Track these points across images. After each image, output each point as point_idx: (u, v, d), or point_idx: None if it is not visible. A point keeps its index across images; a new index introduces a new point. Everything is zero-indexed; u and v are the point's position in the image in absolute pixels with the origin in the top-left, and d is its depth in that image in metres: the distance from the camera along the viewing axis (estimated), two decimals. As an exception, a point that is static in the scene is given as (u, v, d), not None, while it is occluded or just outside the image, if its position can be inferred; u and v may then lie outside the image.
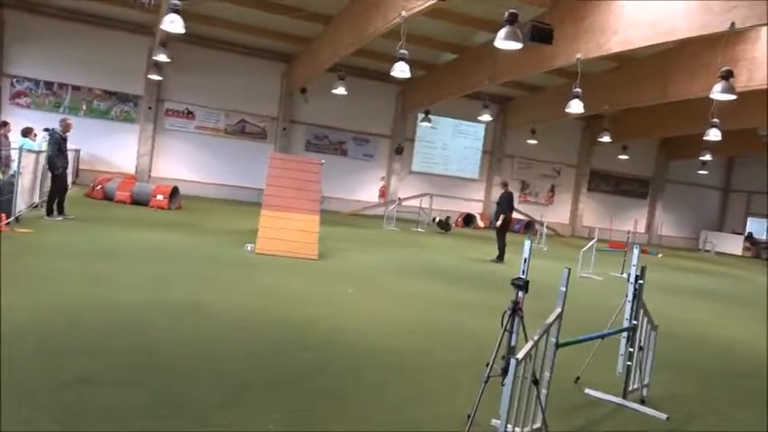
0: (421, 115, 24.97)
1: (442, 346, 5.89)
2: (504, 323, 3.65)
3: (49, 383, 3.79)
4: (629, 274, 4.77)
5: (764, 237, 31.50)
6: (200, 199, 20.51)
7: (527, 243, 3.72)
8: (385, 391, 4.46)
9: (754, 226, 32.24)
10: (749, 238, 31.32)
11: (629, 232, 21.53)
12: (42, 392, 3.65)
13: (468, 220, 25.29)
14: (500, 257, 13.65)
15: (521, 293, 3.63)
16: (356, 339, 5.74)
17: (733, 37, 13.37)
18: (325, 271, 9.40)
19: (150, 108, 21.71)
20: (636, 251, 4.90)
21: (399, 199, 22.16)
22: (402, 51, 13.30)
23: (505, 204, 13.72)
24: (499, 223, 13.70)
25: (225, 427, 3.54)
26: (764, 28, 12.65)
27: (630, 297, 4.72)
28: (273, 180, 10.77)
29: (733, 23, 10.54)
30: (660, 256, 22.06)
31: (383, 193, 25.25)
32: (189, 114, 22.43)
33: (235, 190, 22.61)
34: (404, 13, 12.56)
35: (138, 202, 16.23)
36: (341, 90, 20.01)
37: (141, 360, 4.44)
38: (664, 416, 4.54)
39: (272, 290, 7.52)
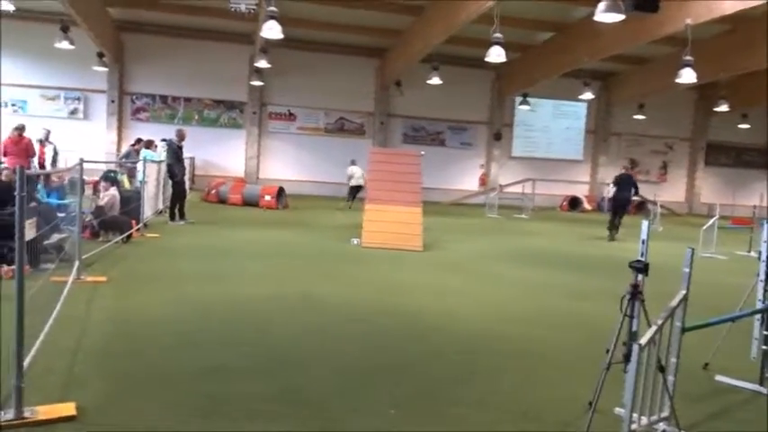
0: (519, 99, 24.38)
1: (554, 332, 5.78)
2: (624, 308, 3.53)
3: (188, 373, 4.12)
4: (759, 252, 4.44)
5: None
6: (305, 197, 21.24)
7: (645, 224, 3.56)
8: (501, 377, 4.46)
9: None
10: None
11: (754, 207, 19.89)
12: (183, 381, 3.98)
13: (574, 203, 24.43)
14: (612, 236, 14.17)
15: (640, 276, 3.49)
16: (467, 327, 5.76)
17: None
18: (431, 261, 9.47)
19: (255, 113, 22.76)
20: (766, 227, 4.55)
21: (500, 186, 21.80)
22: (497, 35, 13.06)
23: (624, 185, 14.30)
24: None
25: (347, 412, 3.69)
26: None
27: (763, 276, 4.39)
28: (375, 174, 10.97)
29: None
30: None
31: (483, 181, 24.93)
32: (290, 116, 23.30)
33: (336, 187, 23.13)
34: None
35: (249, 203, 17.08)
36: (435, 80, 19.94)
37: (265, 351, 4.72)
38: (807, 403, 4.20)
39: (380, 281, 7.69)
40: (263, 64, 18.96)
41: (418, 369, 4.53)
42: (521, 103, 24.34)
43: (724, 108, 21.75)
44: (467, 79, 23.75)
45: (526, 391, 4.23)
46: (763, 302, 4.37)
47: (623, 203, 14.46)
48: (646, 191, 25.28)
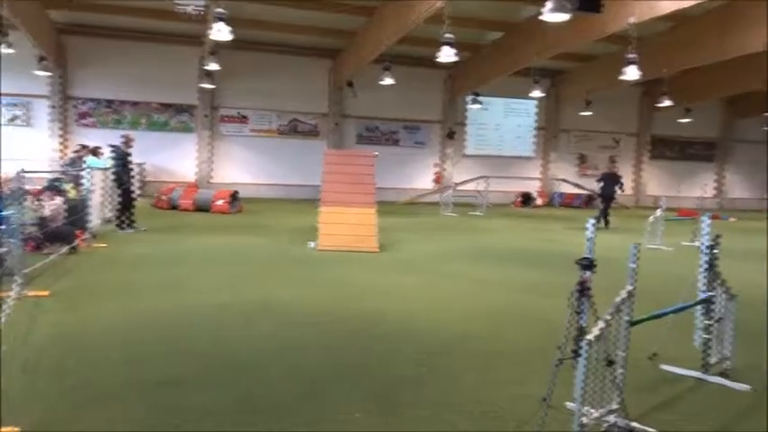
0: (471, 97, 24.67)
1: (511, 330, 5.87)
2: (573, 304, 3.61)
3: (137, 387, 4.01)
4: (701, 244, 4.61)
5: None
6: (260, 200, 21.00)
7: (590, 222, 3.64)
8: (459, 377, 4.50)
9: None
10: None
11: (698, 198, 20.69)
12: (135, 396, 3.87)
13: (527, 199, 24.88)
14: (605, 223, 16.13)
15: (587, 273, 3.57)
16: (425, 327, 5.79)
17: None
18: (388, 262, 9.49)
19: (206, 116, 22.38)
20: (706, 220, 4.72)
21: (455, 184, 22.02)
22: (447, 35, 13.17)
23: (610, 181, 16.71)
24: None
25: (307, 419, 3.66)
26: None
27: (704, 267, 4.56)
28: (329, 176, 10.92)
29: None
30: (733, 220, 21.07)
31: (438, 180, 25.14)
32: (242, 119, 23.00)
33: (291, 189, 23.02)
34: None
35: (201, 208, 16.76)
36: (388, 80, 20.00)
37: (221, 360, 4.65)
38: (747, 387, 4.38)
39: (338, 284, 7.66)
40: (212, 66, 18.65)
41: (377, 372, 4.53)
42: (473, 102, 24.63)
43: (667, 103, 22.50)
44: (419, 79, 23.92)
45: (484, 389, 4.28)
46: (705, 293, 4.53)
47: (608, 198, 16.70)
48: (594, 185, 26.00)
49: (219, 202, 16.69)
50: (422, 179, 25.18)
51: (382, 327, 5.75)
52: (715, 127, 29.64)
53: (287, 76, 22.91)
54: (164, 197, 17.52)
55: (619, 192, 17.19)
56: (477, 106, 24.70)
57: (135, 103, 21.82)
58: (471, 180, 23.20)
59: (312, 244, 10.49)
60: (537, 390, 4.06)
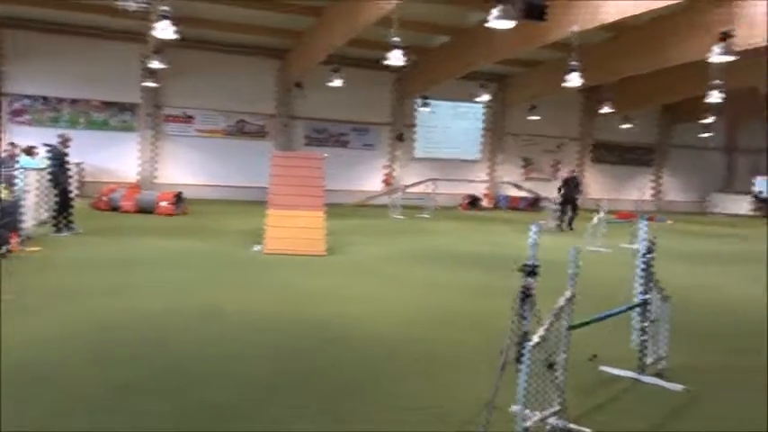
0: (419, 100, 24.86)
1: (458, 333, 5.93)
2: (516, 309, 3.67)
3: (78, 398, 3.85)
4: (638, 248, 4.77)
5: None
6: (206, 202, 20.58)
7: (533, 228, 3.71)
8: (405, 381, 4.51)
9: (761, 185, 31.98)
10: (757, 197, 31.08)
11: (636, 201, 21.46)
12: (72, 407, 3.71)
13: (474, 201, 25.25)
14: (570, 225, 16.87)
15: (530, 279, 3.63)
16: (372, 331, 5.79)
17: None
18: (336, 266, 9.44)
19: (149, 115, 21.75)
20: (643, 224, 4.89)
21: (404, 186, 22.13)
22: (395, 39, 13.24)
23: (571, 185, 17.50)
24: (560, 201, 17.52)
25: (255, 426, 3.60)
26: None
27: (640, 271, 4.72)
28: (277, 179, 10.79)
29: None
30: (669, 222, 21.95)
31: (388, 182, 25.22)
32: (188, 118, 22.47)
33: (239, 190, 22.63)
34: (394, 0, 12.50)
35: (144, 210, 16.28)
36: (337, 82, 19.95)
37: (167, 366, 4.54)
38: (681, 387, 4.56)
39: (284, 289, 7.57)
40: (156, 65, 18.15)
41: (323, 378, 4.49)
42: (421, 105, 24.83)
43: (607, 109, 23.26)
44: (369, 81, 23.94)
45: (430, 394, 4.30)
46: (641, 296, 4.69)
47: (571, 200, 17.39)
48: (540, 188, 26.67)
49: (163, 204, 16.25)
50: (371, 181, 25.20)
51: (330, 331, 5.71)
52: (653, 133, 30.83)
53: (234, 75, 22.54)
54: (104, 198, 16.91)
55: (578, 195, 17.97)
56: (426, 109, 24.91)
57: (74, 101, 21.02)
58: (420, 182, 23.40)
59: (258, 247, 10.34)
60: (482, 393, 4.10)
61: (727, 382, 4.89)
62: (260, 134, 23.49)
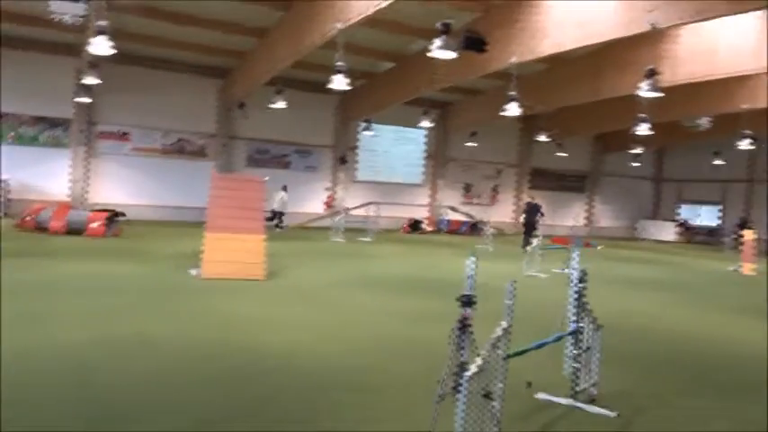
0: (363, 124, 25.02)
1: (397, 361, 5.90)
2: (453, 339, 3.69)
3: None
4: (570, 278, 4.90)
5: (698, 222, 33.02)
6: (142, 223, 19.92)
7: (470, 260, 3.76)
8: (343, 414, 4.44)
9: (686, 212, 33.73)
10: (682, 224, 32.74)
11: (571, 227, 22.18)
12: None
13: (415, 225, 25.47)
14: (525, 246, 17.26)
15: (468, 310, 3.67)
16: (311, 361, 5.69)
17: (656, 35, 13.99)
18: (275, 291, 9.28)
19: (82, 131, 20.95)
20: (575, 253, 5.03)
21: (345, 209, 22.10)
22: (339, 64, 13.29)
23: (531, 211, 19.17)
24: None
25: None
26: (684, 27, 13.27)
27: (573, 300, 4.84)
28: (216, 201, 10.54)
29: (654, 24, 11.02)
30: (601, 247, 22.76)
31: (329, 204, 25.14)
32: (123, 136, 21.77)
33: (177, 211, 22.05)
34: (339, 25, 12.58)
35: (74, 230, 15.57)
36: (280, 104, 19.84)
37: (92, 408, 4.26)
38: (613, 413, 4.68)
39: (221, 316, 7.36)
40: (90, 80, 17.55)
41: (259, 412, 4.37)
42: (364, 129, 24.98)
43: (543, 138, 24.06)
44: (312, 103, 23.94)
45: (367, 426, 4.24)
46: (574, 324, 4.81)
47: (532, 225, 18.57)
48: (479, 213, 27.18)
49: (94, 225, 15.59)
50: (313, 203, 25.05)
51: (267, 362, 5.58)
52: (586, 161, 32.07)
53: (174, 93, 22.08)
54: (29, 217, 16.08)
55: (540, 219, 19.04)
56: (368, 133, 25.07)
57: (2, 115, 20.02)
58: (362, 205, 23.42)
59: (195, 271, 10.05)
60: (420, 424, 4.09)
61: (655, 406, 5.05)
62: (200, 154, 23.01)
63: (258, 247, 10.31)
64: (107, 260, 11.47)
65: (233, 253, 10.03)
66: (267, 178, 11.51)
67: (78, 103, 20.30)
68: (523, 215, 19.96)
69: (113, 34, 12.59)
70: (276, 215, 21.04)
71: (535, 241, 14.16)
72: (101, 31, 12.22)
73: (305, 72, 21.03)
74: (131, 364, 5.31)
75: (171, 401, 4.46)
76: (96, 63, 17.61)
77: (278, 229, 19.19)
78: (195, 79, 22.41)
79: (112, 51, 12.68)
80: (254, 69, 19.27)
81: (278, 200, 21.22)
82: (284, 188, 21.67)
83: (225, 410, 4.34)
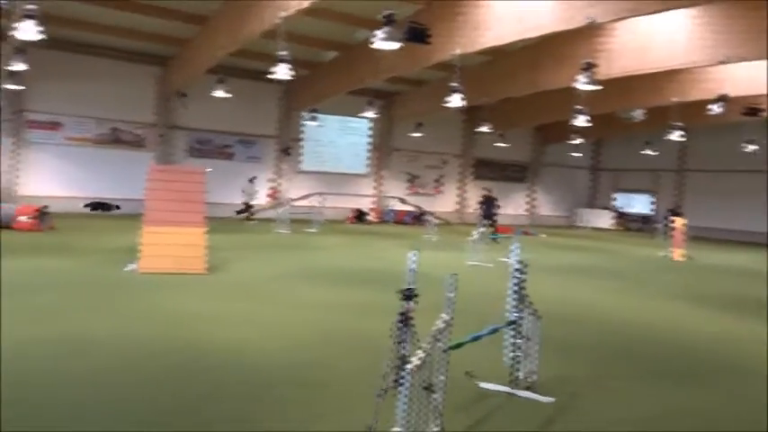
0: (307, 114, 24.76)
1: (342, 356, 5.90)
2: (395, 334, 3.71)
3: None
4: (510, 269, 5.01)
5: (632, 210, 34.38)
6: (76, 216, 19.17)
7: (411, 255, 3.78)
8: (286, 410, 4.41)
9: (621, 200, 35.06)
10: (618, 212, 34.03)
11: (513, 216, 22.70)
12: None
13: (361, 215, 25.48)
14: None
15: (410, 303, 3.69)
16: (254, 357, 5.62)
17: (593, 30, 14.40)
18: (216, 285, 9.11)
19: (9, 120, 19.91)
20: (515, 245, 5.15)
21: (290, 200, 21.88)
22: (282, 53, 13.09)
23: (488, 203, 20.43)
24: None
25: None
26: (620, 22, 13.71)
27: (513, 291, 4.95)
28: (154, 194, 10.24)
29: (591, 19, 11.34)
30: (542, 236, 23.38)
31: (273, 195, 24.84)
32: (55, 125, 20.82)
33: (114, 203, 21.31)
34: (282, 13, 12.39)
35: (1, 225, 14.78)
36: (221, 93, 19.40)
37: (26, 411, 4.08)
38: (551, 399, 4.83)
39: (160, 312, 7.17)
40: (18, 66, 16.67)
41: (199, 410, 4.29)
42: (309, 119, 24.73)
43: (486, 129, 24.46)
44: (256, 93, 23.54)
45: (311, 422, 4.24)
46: (514, 315, 4.93)
47: (489, 217, 19.93)
48: (424, 203, 27.44)
49: (23, 219, 14.88)
50: (257, 195, 24.64)
51: (208, 359, 5.47)
52: (527, 151, 32.80)
53: (109, 81, 21.26)
54: (-46, 212, 15.21)
55: (496, 211, 20.94)
56: (313, 123, 24.85)
57: None
58: (306, 196, 23.25)
59: (132, 266, 9.75)
60: (364, 419, 4.10)
61: (591, 390, 5.24)
62: (137, 144, 22.28)
63: (199, 240, 10.09)
64: (38, 256, 10.98)
65: (172, 247, 9.78)
66: (209, 170, 11.22)
67: (5, 90, 19.26)
68: (482, 206, 20.67)
69: (44, 18, 11.98)
70: (247, 207, 21.87)
71: (476, 232, 14.40)
72: (29, 15, 11.59)
73: (248, 61, 20.65)
74: (66, 364, 5.11)
75: (110, 401, 4.33)
76: (24, 48, 16.74)
77: (251, 222, 19.33)
78: (132, 67, 21.65)
79: (40, 37, 12.07)
80: (194, 57, 18.77)
81: (248, 191, 22.23)
82: (251, 180, 22.59)
83: (166, 410, 4.25)
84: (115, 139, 21.89)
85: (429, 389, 3.65)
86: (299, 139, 25.83)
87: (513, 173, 32.56)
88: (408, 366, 3.45)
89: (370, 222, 25.27)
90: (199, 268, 9.82)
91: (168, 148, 22.60)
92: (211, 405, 4.40)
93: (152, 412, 4.20)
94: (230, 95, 20.72)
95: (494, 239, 18.02)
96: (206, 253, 10.16)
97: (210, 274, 9.89)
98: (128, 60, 21.48)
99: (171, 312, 7.20)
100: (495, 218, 20.50)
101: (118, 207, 17.35)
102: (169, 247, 9.76)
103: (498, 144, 29.52)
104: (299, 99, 24.00)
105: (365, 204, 26.77)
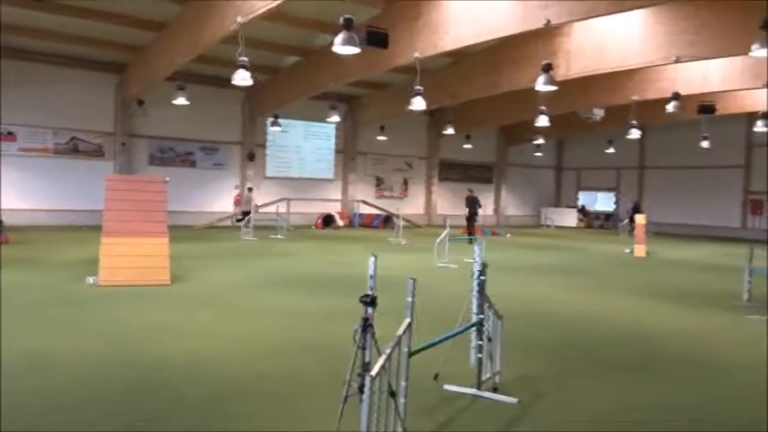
0: (270, 119, 24.59)
1: (307, 364, 5.84)
2: (357, 340, 3.69)
3: None
4: (472, 272, 5.03)
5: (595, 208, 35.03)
6: (33, 228, 18.65)
7: (371, 260, 3.76)
8: (250, 422, 4.33)
9: (585, 199, 35.68)
10: (582, 210, 34.64)
11: (480, 217, 22.88)
12: None
13: (328, 220, 25.38)
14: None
15: (370, 310, 3.68)
16: (218, 368, 5.52)
17: (551, 32, 14.64)
18: (180, 296, 8.95)
19: (-40, 132, 19.30)
20: (477, 247, 5.18)
21: (255, 206, 21.67)
22: (242, 59, 12.94)
23: (471, 203, 21.73)
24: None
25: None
26: (577, 23, 13.96)
27: (476, 292, 4.98)
28: (112, 204, 10.00)
29: (548, 20, 11.51)
30: (509, 236, 23.63)
31: (238, 202, 24.57)
32: (8, 135, 20.20)
33: (73, 214, 20.80)
34: (240, 19, 12.28)
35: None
36: (181, 100, 19.11)
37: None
38: (515, 400, 4.86)
39: (121, 326, 7.00)
40: (-31, 76, 16.17)
41: (162, 424, 4.18)
42: (272, 125, 24.57)
43: (450, 131, 24.64)
44: (217, 99, 23.29)
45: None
46: (477, 316, 4.95)
47: (473, 216, 21.50)
48: (391, 206, 27.48)
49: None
50: (221, 202, 24.37)
51: (166, 372, 5.34)
52: (492, 152, 33.14)
53: (66, 90, 20.77)
54: None
55: (480, 211, 22.41)
56: (277, 128, 24.69)
57: None
58: (272, 202, 23.07)
59: (92, 279, 9.51)
60: (328, 426, 4.07)
61: (554, 388, 5.28)
62: (97, 153, 21.78)
63: (161, 251, 9.89)
64: (-7, 271, 10.62)
65: (133, 258, 9.57)
66: (168, 179, 11.01)
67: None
68: (466, 208, 21.92)
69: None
70: (245, 215, 21.78)
71: (444, 232, 14.47)
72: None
73: (209, 67, 20.41)
74: (23, 382, 4.93)
75: (67, 420, 4.19)
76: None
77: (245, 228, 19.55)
78: (90, 75, 21.21)
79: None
80: (152, 65, 18.46)
81: (246, 201, 22.83)
82: (249, 189, 23.57)
83: (124, 426, 4.13)
84: (74, 149, 21.37)
85: (393, 394, 3.63)
86: (264, 145, 25.61)
87: (478, 174, 32.86)
88: (371, 373, 3.43)
89: (338, 227, 25.19)
90: (162, 279, 9.63)
91: (128, 157, 22.16)
92: (167, 421, 4.29)
93: (110, 428, 4.08)
94: (191, 102, 20.45)
95: (469, 241, 18.38)
96: (169, 263, 9.97)
97: (174, 284, 9.71)
98: (86, 68, 21.03)
99: (131, 325, 7.03)
100: (476, 217, 21.82)
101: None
102: (130, 258, 9.55)
103: (464, 146, 29.80)
104: (261, 104, 23.82)
105: (334, 209, 26.66)
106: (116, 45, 19.04)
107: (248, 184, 24.06)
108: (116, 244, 9.56)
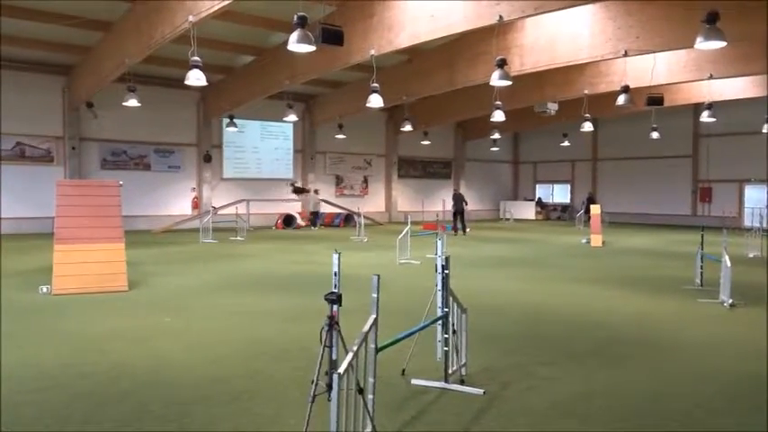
0: (226, 120, 24.22)
1: (271, 365, 5.77)
2: (323, 339, 3.67)
3: None
4: (436, 265, 5.06)
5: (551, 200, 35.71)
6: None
7: (335, 257, 3.74)
8: (213, 428, 4.25)
9: (541, 191, 36.35)
10: (539, 203, 35.28)
11: (437, 213, 23.08)
12: None
13: (289, 220, 25.17)
14: (464, 231, 22.30)
15: (335, 307, 3.66)
16: (178, 374, 5.41)
17: (504, 28, 14.83)
18: (138, 302, 8.73)
19: None
20: (438, 242, 5.22)
21: (214, 208, 21.34)
22: (195, 58, 12.71)
23: (458, 200, 22.92)
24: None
25: None
26: (528, 19, 14.18)
27: (440, 286, 5.01)
28: (64, 210, 9.69)
29: (500, 17, 11.66)
30: (469, 230, 23.87)
31: (196, 205, 24.15)
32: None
33: (20, 222, 20.09)
34: (191, 18, 12.04)
35: None
36: (133, 102, 18.65)
37: None
38: (481, 391, 4.92)
39: (75, 336, 6.79)
40: None
41: (120, 435, 4.07)
42: (228, 125, 24.21)
43: (408, 128, 24.74)
44: (170, 100, 22.85)
45: (241, 435, 4.12)
46: (442, 310, 4.98)
47: (459, 212, 22.62)
48: (351, 204, 27.43)
49: None
50: (179, 205, 23.92)
51: (126, 382, 5.20)
52: (450, 148, 33.43)
53: (9, 93, 20.02)
54: None
55: (466, 206, 23.20)
56: (232, 129, 24.34)
57: None
58: (231, 204, 22.75)
59: (45, 288, 9.20)
60: (295, 426, 4.04)
61: (519, 378, 5.37)
62: (45, 158, 21.07)
63: (118, 256, 9.64)
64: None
65: (88, 265, 9.30)
66: (121, 183, 10.74)
67: None
68: (452, 203, 23.03)
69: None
70: (313, 215, 24.45)
71: (405, 229, 14.52)
72: None
73: (162, 68, 19.99)
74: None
75: (18, 437, 4.04)
76: None
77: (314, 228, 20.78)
78: (34, 77, 20.49)
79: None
80: (100, 66, 17.92)
81: (313, 202, 24.77)
82: (315, 191, 25.73)
83: (83, 439, 4.01)
84: (20, 155, 20.61)
85: (361, 391, 3.62)
86: (220, 146, 25.21)
87: (437, 170, 33.12)
88: (338, 371, 3.41)
89: (299, 227, 25.01)
90: (119, 285, 9.39)
91: (79, 162, 21.51)
92: (132, 429, 4.19)
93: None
94: (143, 104, 19.97)
95: (455, 233, 21.09)
96: (126, 269, 9.73)
97: (132, 290, 9.47)
98: (30, 71, 20.31)
99: (88, 334, 6.83)
100: (462, 212, 22.71)
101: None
102: (85, 265, 9.28)
103: (422, 142, 29.97)
104: (216, 105, 23.44)
105: (294, 208, 26.44)
106: (61, 46, 18.43)
107: (313, 187, 26.14)
108: (69, 251, 9.28)
